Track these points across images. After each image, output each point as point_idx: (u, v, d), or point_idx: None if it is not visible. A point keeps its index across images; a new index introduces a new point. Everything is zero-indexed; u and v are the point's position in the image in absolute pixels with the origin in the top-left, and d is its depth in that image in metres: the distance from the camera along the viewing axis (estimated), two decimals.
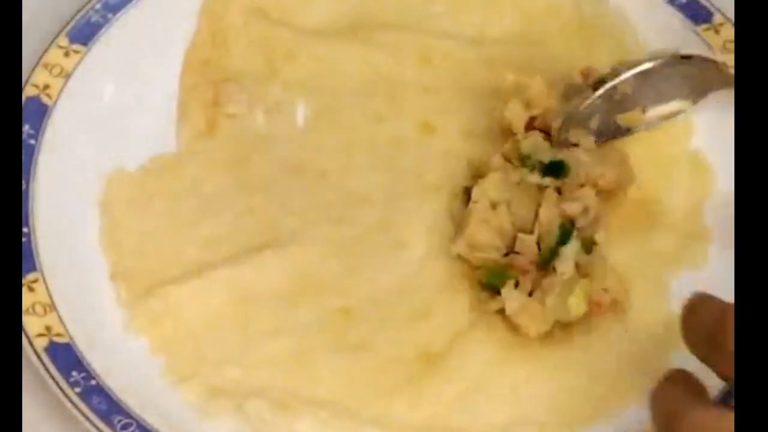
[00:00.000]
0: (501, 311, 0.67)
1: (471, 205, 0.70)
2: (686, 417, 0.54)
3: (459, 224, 0.70)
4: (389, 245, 0.71)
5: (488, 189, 0.70)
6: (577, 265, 0.67)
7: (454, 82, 0.76)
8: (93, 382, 0.63)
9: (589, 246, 0.68)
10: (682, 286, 0.69)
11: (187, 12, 0.77)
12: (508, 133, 0.72)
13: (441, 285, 0.69)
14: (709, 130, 0.74)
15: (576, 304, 0.66)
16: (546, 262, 0.67)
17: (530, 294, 0.67)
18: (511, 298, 0.66)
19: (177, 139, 0.74)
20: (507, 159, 0.71)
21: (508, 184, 0.70)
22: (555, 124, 0.71)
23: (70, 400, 0.63)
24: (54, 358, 0.64)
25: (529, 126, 0.72)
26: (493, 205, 0.69)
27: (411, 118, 0.75)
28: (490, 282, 0.68)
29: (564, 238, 0.67)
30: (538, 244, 0.68)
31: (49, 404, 0.64)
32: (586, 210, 0.68)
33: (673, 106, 0.74)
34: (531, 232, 0.68)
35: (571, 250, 0.67)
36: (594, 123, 0.72)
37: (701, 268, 0.70)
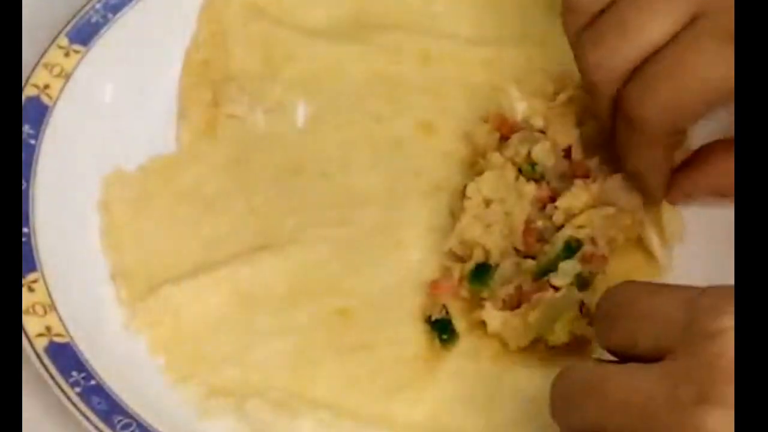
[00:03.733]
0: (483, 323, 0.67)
1: (464, 201, 0.70)
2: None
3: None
4: (389, 245, 0.71)
5: (482, 187, 0.70)
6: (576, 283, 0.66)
7: (454, 82, 0.76)
8: (93, 382, 0.63)
9: (584, 283, 0.66)
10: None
11: (187, 12, 0.77)
12: (503, 133, 0.72)
13: None
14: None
15: (557, 333, 0.66)
16: (542, 274, 0.67)
17: (518, 305, 0.66)
18: (492, 317, 0.66)
19: (177, 139, 0.74)
20: (507, 158, 0.71)
21: (504, 183, 0.70)
22: (575, 154, 0.71)
23: (70, 400, 0.63)
24: (54, 358, 0.64)
25: (509, 132, 0.72)
26: (487, 203, 0.69)
27: (411, 118, 0.75)
28: (472, 283, 0.68)
29: (568, 253, 0.67)
30: (533, 257, 0.68)
31: (49, 404, 0.64)
32: (593, 241, 0.68)
33: None
34: (524, 230, 0.68)
35: (571, 267, 0.66)
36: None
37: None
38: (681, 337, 0.53)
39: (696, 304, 0.54)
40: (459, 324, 0.67)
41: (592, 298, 0.66)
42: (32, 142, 0.70)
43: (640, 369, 0.54)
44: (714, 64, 0.61)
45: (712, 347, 0.52)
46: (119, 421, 0.62)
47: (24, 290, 0.65)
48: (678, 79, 0.62)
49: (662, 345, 0.54)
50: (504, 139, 0.72)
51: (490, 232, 0.68)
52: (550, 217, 0.69)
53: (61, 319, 0.65)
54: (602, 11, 0.64)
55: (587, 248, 0.67)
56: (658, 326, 0.54)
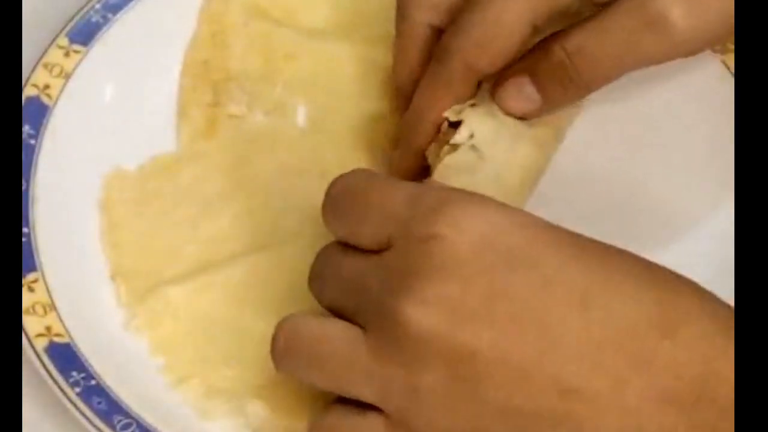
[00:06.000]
0: None
1: None
2: None
3: None
4: None
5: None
6: None
7: None
8: (93, 382, 0.63)
9: None
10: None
11: (187, 12, 0.77)
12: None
13: None
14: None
15: None
16: None
17: None
18: None
19: (177, 139, 0.74)
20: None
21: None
22: None
23: (70, 400, 0.63)
24: (54, 358, 0.64)
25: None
26: None
27: None
28: None
29: None
30: None
31: (49, 404, 0.64)
32: None
33: None
34: None
35: None
36: None
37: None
38: (399, 232, 0.57)
39: (418, 202, 0.57)
40: None
41: None
42: (32, 142, 0.70)
43: (362, 256, 0.59)
44: (510, 10, 0.64)
45: (423, 248, 0.55)
46: (119, 421, 0.62)
47: (24, 290, 0.65)
48: (482, 22, 0.65)
49: (382, 238, 0.58)
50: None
51: None
52: None
53: (61, 319, 0.65)
54: None
55: None
56: (381, 219, 0.58)
